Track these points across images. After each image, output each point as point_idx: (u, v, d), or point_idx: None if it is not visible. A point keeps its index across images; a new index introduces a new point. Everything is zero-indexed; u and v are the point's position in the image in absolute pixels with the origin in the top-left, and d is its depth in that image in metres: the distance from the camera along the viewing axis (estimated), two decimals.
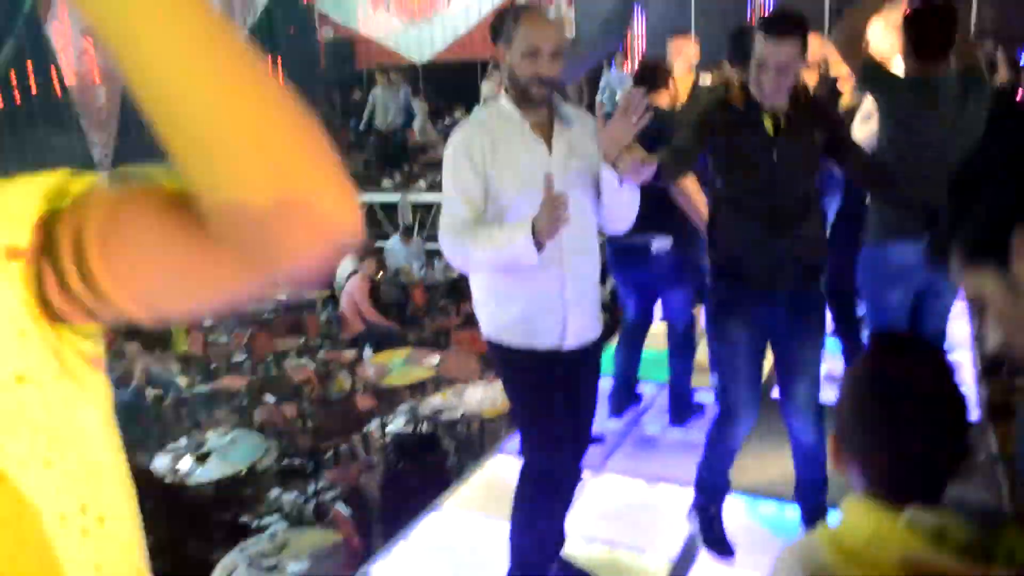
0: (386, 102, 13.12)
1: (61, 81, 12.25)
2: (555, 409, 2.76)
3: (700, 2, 12.11)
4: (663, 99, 4.06)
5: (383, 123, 13.23)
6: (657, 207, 3.50)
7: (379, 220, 12.08)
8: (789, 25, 2.75)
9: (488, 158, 2.60)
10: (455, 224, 2.62)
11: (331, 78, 14.45)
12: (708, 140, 2.98)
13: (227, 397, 7.88)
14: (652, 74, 4.11)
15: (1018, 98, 7.00)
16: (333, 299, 9.48)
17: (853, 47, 3.47)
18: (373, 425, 7.19)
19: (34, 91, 12.63)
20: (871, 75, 3.48)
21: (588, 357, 2.85)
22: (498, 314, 2.76)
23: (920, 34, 3.41)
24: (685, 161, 3.05)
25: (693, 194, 3.71)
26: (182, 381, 7.30)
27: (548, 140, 2.67)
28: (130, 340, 8.12)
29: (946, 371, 1.26)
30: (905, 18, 3.51)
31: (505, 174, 2.61)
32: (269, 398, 6.48)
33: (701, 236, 3.53)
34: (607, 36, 3.41)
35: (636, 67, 4.34)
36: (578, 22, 12.32)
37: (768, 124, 2.87)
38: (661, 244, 3.87)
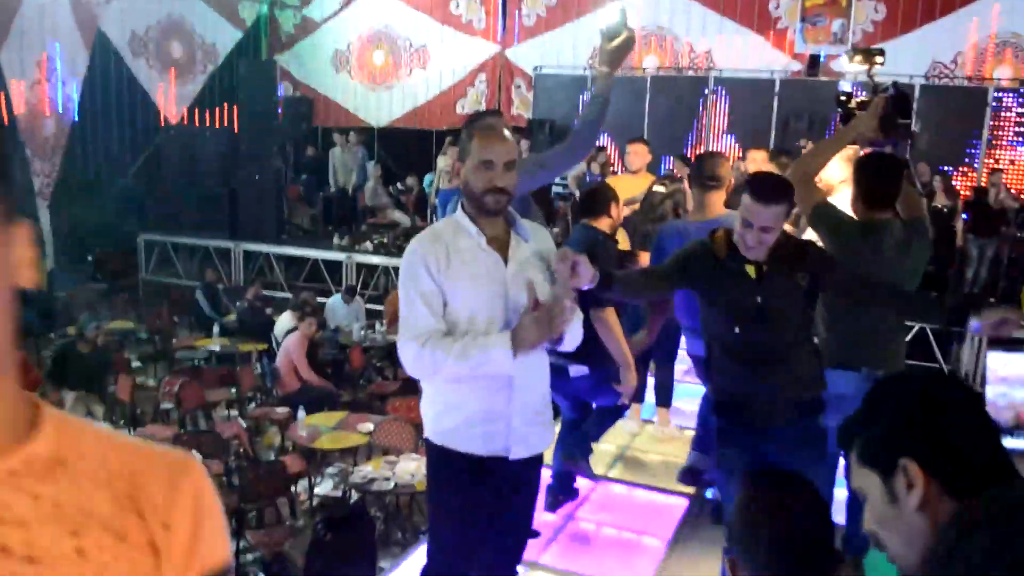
0: (344, 162, 13.26)
1: (9, 109, 12.03)
2: (482, 518, 2.74)
3: (652, 111, 12.61)
4: (603, 224, 4.16)
5: (340, 182, 13.37)
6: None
7: (324, 278, 12.01)
8: (777, 193, 2.90)
9: (444, 269, 2.58)
10: (421, 335, 2.55)
11: (287, 133, 14.48)
12: (684, 282, 3.12)
13: None
14: (593, 201, 4.21)
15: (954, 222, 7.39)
16: (269, 353, 9.33)
17: (807, 188, 3.64)
18: (301, 487, 7.06)
19: None
20: (822, 217, 3.65)
21: (531, 466, 2.82)
22: (444, 418, 2.71)
23: (869, 182, 3.59)
24: (647, 287, 3.20)
25: (613, 325, 3.80)
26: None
27: (504, 253, 2.66)
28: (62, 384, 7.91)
29: (816, 502, 1.57)
30: (856, 165, 3.70)
31: (460, 285, 2.58)
32: (195, 454, 6.28)
33: (614, 364, 3.78)
34: (574, 152, 3.48)
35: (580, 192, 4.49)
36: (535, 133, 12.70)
37: (751, 270, 2.98)
38: (578, 370, 3.94)
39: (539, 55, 13.84)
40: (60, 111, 12.48)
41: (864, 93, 4.04)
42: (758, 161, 5.88)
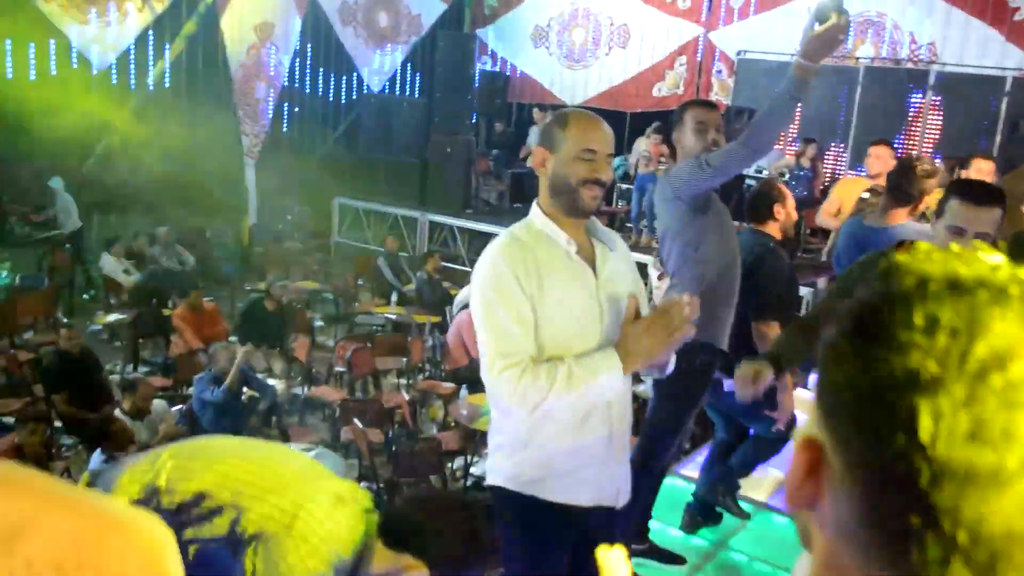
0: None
1: (227, 70, 12.77)
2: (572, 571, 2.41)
3: (861, 105, 11.68)
4: (770, 229, 3.80)
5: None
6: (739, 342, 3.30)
7: None
8: (992, 195, 2.60)
9: (534, 284, 2.22)
10: (518, 363, 2.16)
11: (481, 107, 14.59)
12: None
13: (320, 407, 7.94)
14: (755, 203, 3.85)
15: None
16: (442, 326, 9.44)
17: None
18: (456, 464, 7.11)
19: (200, 75, 13.22)
20: None
21: (617, 516, 2.49)
22: (533, 462, 2.32)
23: None
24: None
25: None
26: (280, 385, 7.35)
27: (592, 264, 2.33)
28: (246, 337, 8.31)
29: None
30: None
31: (551, 303, 2.22)
32: (357, 424, 6.42)
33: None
34: (748, 152, 3.04)
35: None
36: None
37: None
38: (732, 384, 3.59)
39: (745, 39, 13.16)
40: (271, 74, 13.11)
41: None
42: (984, 172, 5.24)
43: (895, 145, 11.30)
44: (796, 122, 11.67)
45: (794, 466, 0.62)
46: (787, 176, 10.07)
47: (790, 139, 11.64)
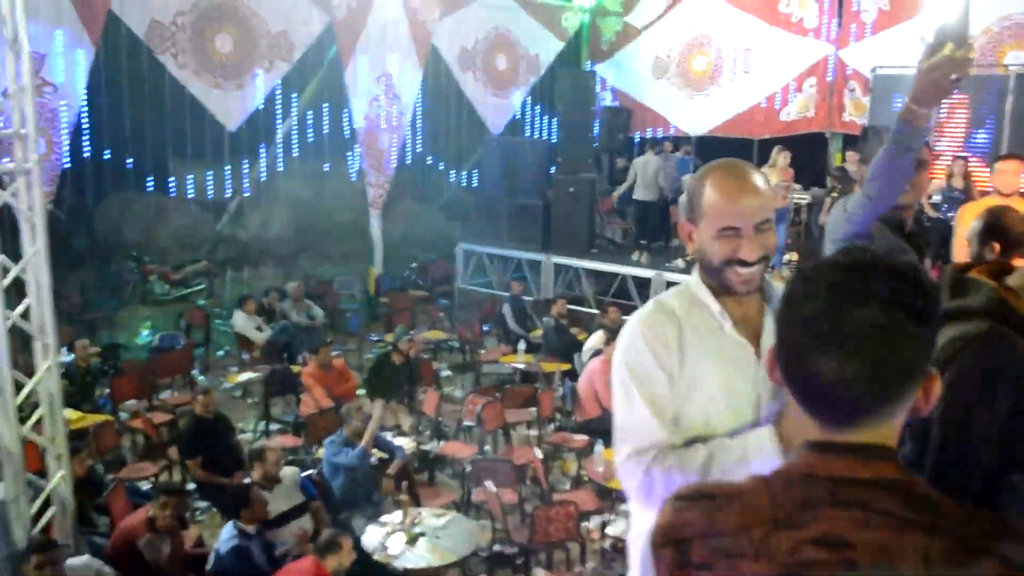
0: (646, 173, 12.45)
1: (351, 122, 12.98)
2: None
3: (1014, 116, 10.74)
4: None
5: (643, 194, 12.55)
6: None
7: (631, 295, 11.63)
8: None
9: (676, 361, 1.91)
10: (646, 451, 1.89)
11: (604, 144, 14.32)
12: None
13: (450, 463, 7.75)
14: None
15: None
16: (572, 374, 9.14)
17: None
18: (593, 523, 6.77)
19: (326, 129, 13.49)
20: None
21: None
22: None
23: None
24: None
25: None
26: (408, 446, 7.19)
27: (756, 340, 1.95)
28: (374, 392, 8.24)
29: None
30: None
31: (697, 383, 1.91)
32: (489, 486, 6.17)
33: None
34: (876, 206, 2.60)
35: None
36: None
37: None
38: None
39: (879, 54, 12.41)
40: (394, 124, 13.24)
41: None
42: None
43: None
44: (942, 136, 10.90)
45: None
46: (939, 199, 9.32)
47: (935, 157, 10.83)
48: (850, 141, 12.30)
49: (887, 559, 1.04)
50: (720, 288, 1.94)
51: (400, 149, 13.53)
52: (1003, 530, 1.07)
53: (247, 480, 5.66)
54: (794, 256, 10.80)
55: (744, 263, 1.87)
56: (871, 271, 1.11)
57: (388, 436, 7.29)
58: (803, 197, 12.17)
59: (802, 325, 1.12)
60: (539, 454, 7.35)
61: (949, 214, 8.75)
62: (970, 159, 10.14)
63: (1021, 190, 5.27)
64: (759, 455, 1.77)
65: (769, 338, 1.93)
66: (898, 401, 1.12)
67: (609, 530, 6.76)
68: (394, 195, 13.58)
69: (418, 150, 14.61)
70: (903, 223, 3.14)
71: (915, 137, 2.46)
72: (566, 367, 9.47)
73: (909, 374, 1.10)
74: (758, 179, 1.89)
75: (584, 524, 6.51)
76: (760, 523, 1.13)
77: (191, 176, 12.30)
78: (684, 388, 1.91)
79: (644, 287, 11.44)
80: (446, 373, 10.47)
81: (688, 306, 1.97)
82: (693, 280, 2.01)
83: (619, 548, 6.42)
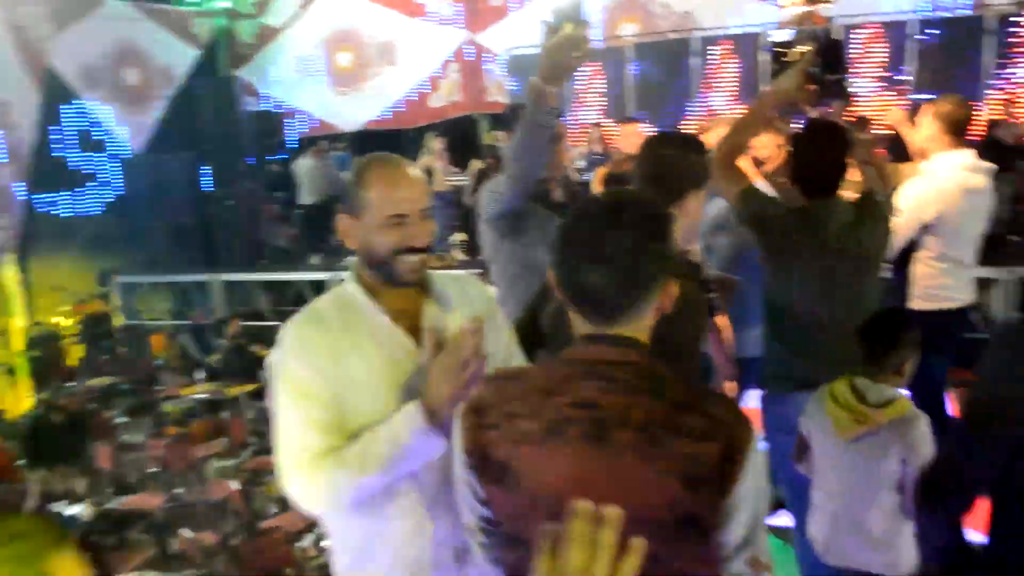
0: (312, 175, 12.35)
1: None
2: None
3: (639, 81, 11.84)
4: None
5: (311, 196, 12.43)
6: None
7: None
8: None
9: (332, 366, 1.89)
10: (306, 461, 1.85)
11: (256, 150, 13.71)
12: None
13: (139, 519, 7.03)
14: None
15: None
16: (259, 393, 8.70)
17: (730, 173, 3.10)
18: (307, 542, 6.47)
19: None
20: (749, 205, 3.08)
21: None
22: (366, 567, 1.98)
23: (806, 162, 3.02)
24: None
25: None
26: (85, 512, 6.41)
27: (416, 332, 1.97)
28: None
29: None
30: (790, 148, 3.13)
31: (354, 386, 1.89)
32: (186, 532, 5.67)
33: None
34: (520, 184, 2.73)
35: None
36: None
37: None
38: None
39: (512, 37, 13.04)
40: (7, 159, 11.71)
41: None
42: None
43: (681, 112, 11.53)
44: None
45: None
46: (584, 164, 9.89)
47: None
48: (498, 119, 12.82)
49: (622, 414, 1.42)
50: (385, 281, 1.94)
51: (28, 184, 11.98)
52: (706, 393, 1.51)
53: None
54: (463, 236, 11.03)
55: (414, 250, 1.90)
56: (622, 205, 1.49)
57: (60, 506, 6.45)
58: (463, 179, 12.50)
59: (573, 246, 1.47)
60: (236, 485, 6.90)
61: (589, 175, 9.36)
62: (602, 124, 11.01)
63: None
64: (410, 432, 1.80)
65: (431, 326, 1.96)
66: (645, 301, 1.48)
67: (325, 543, 6.50)
68: (28, 236, 11.99)
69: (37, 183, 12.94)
70: (548, 194, 3.23)
71: (546, 114, 2.52)
72: (252, 387, 9.01)
73: (652, 280, 1.47)
74: (414, 169, 1.97)
75: (298, 545, 6.22)
76: (535, 392, 1.50)
77: None
78: (344, 390, 1.89)
79: (322, 291, 11.16)
80: (121, 419, 9.52)
81: (341, 307, 1.96)
82: (348, 284, 2.00)
83: None
